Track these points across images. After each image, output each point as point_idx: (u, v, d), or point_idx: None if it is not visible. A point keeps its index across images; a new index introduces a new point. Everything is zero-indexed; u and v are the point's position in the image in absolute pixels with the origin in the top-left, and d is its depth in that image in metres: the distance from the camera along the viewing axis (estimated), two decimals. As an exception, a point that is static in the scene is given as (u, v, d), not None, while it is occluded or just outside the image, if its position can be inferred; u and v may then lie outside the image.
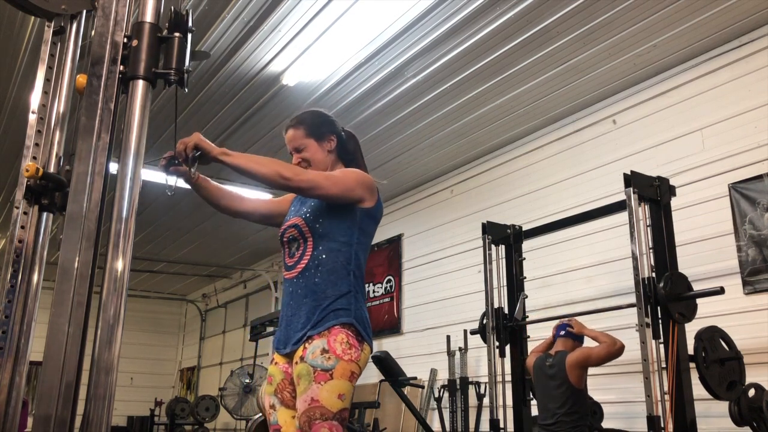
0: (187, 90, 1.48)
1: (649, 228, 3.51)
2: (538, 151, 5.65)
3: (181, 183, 2.14)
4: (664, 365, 3.31)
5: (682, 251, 3.62)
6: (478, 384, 5.49)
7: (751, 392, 3.31)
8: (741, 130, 4.17)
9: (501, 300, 4.45)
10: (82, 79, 1.40)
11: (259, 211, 2.38)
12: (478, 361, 5.68)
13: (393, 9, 4.07)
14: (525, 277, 4.49)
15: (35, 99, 1.64)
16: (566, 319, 4.13)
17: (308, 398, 1.88)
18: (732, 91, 4.26)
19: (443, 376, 5.90)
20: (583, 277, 5.00)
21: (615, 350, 3.69)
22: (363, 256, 2.12)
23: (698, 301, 3.41)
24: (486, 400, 4.99)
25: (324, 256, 2.04)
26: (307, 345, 1.95)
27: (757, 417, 3.27)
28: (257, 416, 6.50)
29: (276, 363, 2.10)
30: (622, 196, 3.59)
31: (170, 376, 12.61)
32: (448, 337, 5.84)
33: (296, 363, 1.97)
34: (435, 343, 6.22)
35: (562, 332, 3.99)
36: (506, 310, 4.40)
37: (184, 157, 1.93)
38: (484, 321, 4.45)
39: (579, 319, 4.07)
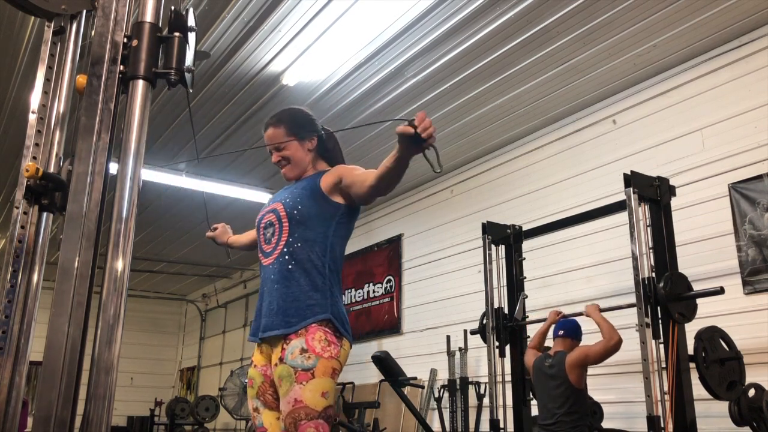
0: (192, 90, 1.48)
1: (649, 228, 3.52)
2: (538, 151, 5.65)
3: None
4: (664, 365, 3.31)
5: (682, 251, 3.62)
6: (478, 384, 5.49)
7: (751, 392, 3.31)
8: (741, 130, 4.17)
9: (501, 300, 4.45)
10: (82, 79, 1.40)
11: None
12: (478, 361, 5.68)
13: (393, 9, 4.07)
14: (525, 277, 4.49)
15: (35, 99, 1.64)
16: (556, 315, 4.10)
17: (292, 399, 1.87)
18: (732, 91, 4.26)
19: (443, 376, 5.90)
20: (583, 277, 5.00)
21: (611, 346, 3.65)
22: (339, 251, 2.11)
23: (698, 301, 3.41)
24: (486, 400, 4.99)
25: (299, 244, 2.03)
26: (285, 346, 1.94)
27: (757, 417, 3.27)
28: (257, 416, 6.49)
29: (255, 366, 2.08)
30: (622, 196, 3.59)
31: (170, 376, 12.61)
32: (448, 337, 5.84)
33: (275, 365, 1.95)
34: (435, 343, 6.22)
35: (561, 332, 3.97)
36: (506, 310, 4.40)
37: (420, 134, 1.65)
38: (484, 321, 4.45)
39: (578, 319, 4.06)
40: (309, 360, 1.89)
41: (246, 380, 8.07)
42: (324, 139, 2.26)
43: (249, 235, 2.54)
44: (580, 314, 4.03)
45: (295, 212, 2.07)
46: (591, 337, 3.96)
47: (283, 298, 1.98)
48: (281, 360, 1.93)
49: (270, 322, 1.99)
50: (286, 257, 2.03)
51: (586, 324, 4.02)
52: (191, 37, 1.47)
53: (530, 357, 4.07)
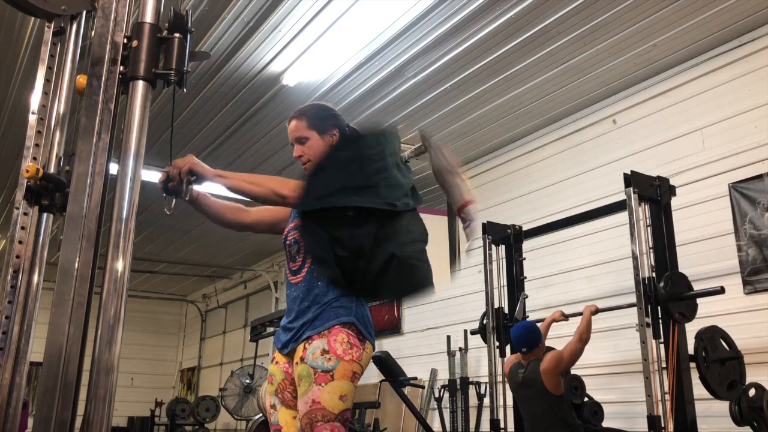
0: (185, 90, 1.48)
1: (649, 228, 3.52)
2: (538, 151, 5.65)
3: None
4: (664, 365, 3.31)
5: (682, 251, 3.62)
6: (478, 384, 5.49)
7: (752, 392, 3.31)
8: (741, 130, 4.17)
9: (501, 300, 4.45)
10: (82, 79, 1.40)
11: (263, 221, 2.33)
12: (479, 361, 5.68)
13: (393, 9, 4.07)
14: (525, 277, 4.49)
15: (35, 99, 1.63)
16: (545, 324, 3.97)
17: (309, 400, 1.87)
18: (732, 91, 4.26)
19: (443, 376, 5.90)
20: (584, 277, 4.99)
21: (581, 346, 3.58)
22: None
23: (698, 300, 3.41)
24: (486, 400, 4.99)
25: None
26: (307, 345, 1.94)
27: (758, 417, 3.27)
28: (257, 417, 6.51)
29: (276, 362, 2.09)
30: (623, 196, 3.59)
31: (170, 376, 12.61)
32: (449, 337, 5.84)
33: (296, 364, 1.95)
34: (435, 343, 6.22)
35: (524, 349, 3.74)
36: (506, 310, 4.40)
37: (178, 181, 1.92)
38: (485, 321, 4.45)
39: (577, 319, 4.05)
40: (330, 362, 1.88)
41: (246, 380, 8.05)
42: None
43: (228, 206, 2.24)
44: (580, 314, 4.03)
45: None
46: (562, 340, 3.90)
47: (315, 313, 1.98)
48: (302, 359, 1.93)
49: (295, 333, 2.00)
50: (314, 274, 2.02)
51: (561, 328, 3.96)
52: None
53: (507, 366, 3.99)
